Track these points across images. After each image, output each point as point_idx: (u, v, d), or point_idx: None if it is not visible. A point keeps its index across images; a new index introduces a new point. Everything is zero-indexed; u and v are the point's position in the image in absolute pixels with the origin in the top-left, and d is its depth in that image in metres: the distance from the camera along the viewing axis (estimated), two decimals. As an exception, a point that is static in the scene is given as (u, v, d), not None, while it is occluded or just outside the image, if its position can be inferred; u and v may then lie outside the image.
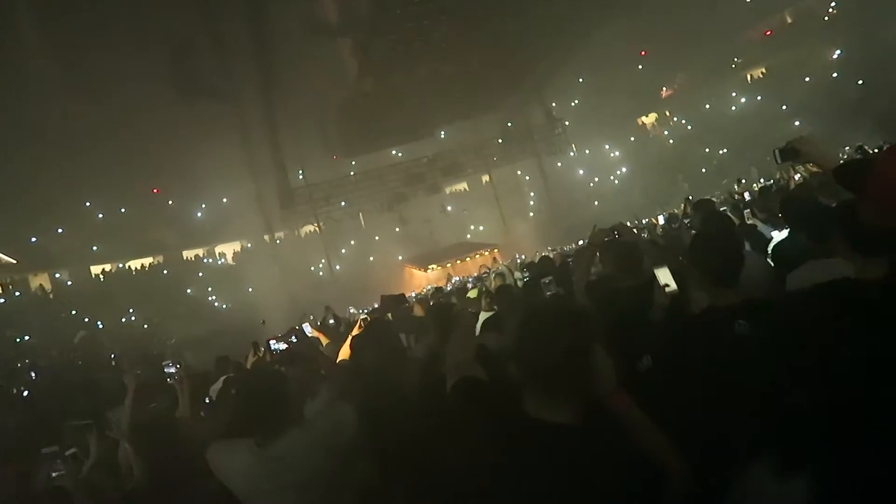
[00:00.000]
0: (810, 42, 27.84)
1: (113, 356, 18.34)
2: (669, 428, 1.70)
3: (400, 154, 31.92)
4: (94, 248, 31.09)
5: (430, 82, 22.42)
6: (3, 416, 10.84)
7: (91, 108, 24.14)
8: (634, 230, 5.36)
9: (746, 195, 9.53)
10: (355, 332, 3.74)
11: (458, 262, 27.38)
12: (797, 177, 8.95)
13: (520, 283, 7.50)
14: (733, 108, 32.71)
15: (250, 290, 28.58)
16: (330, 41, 21.97)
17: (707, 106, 33.54)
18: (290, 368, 3.63)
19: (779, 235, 3.92)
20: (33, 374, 15.21)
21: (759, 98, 31.06)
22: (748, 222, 4.89)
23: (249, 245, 34.61)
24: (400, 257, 31.98)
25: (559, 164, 36.32)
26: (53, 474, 2.87)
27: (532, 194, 39.18)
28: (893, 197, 1.61)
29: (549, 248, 21.59)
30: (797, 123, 24.73)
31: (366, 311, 7.75)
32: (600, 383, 1.57)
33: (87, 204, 30.38)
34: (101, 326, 24.67)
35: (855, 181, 1.93)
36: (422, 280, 26.05)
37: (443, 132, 31.23)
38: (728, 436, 1.81)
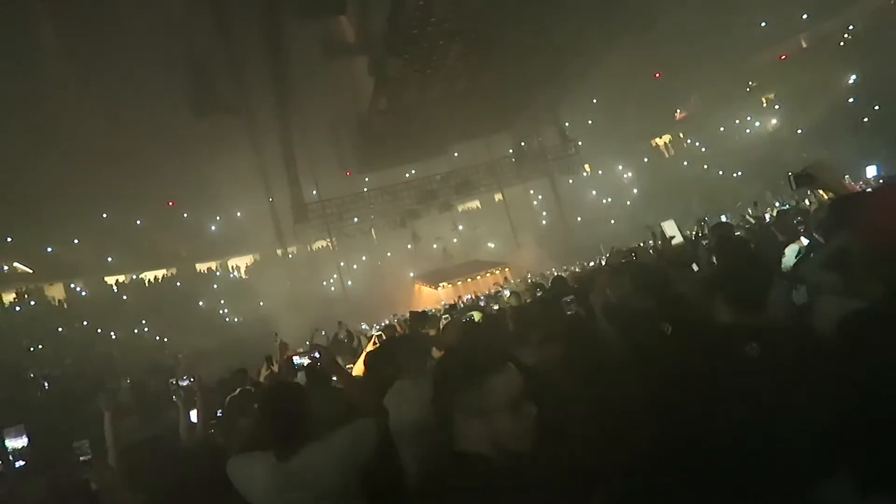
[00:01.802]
0: (826, 66, 27.80)
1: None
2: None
3: (413, 171, 32.09)
4: (109, 258, 31.39)
5: (444, 101, 22.59)
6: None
7: (109, 122, 24.52)
8: (650, 251, 5.38)
9: (767, 216, 9.50)
10: (369, 348, 3.77)
11: (469, 280, 27.31)
12: (813, 201, 8.93)
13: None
14: (747, 131, 32.68)
15: (262, 303, 28.69)
16: (346, 60, 22.22)
17: (721, 129, 33.52)
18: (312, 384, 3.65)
19: (791, 251, 3.92)
20: (45, 384, 15.35)
21: (773, 121, 31.02)
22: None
23: (262, 259, 34.81)
24: (411, 274, 32.00)
25: (571, 182, 36.39)
26: (82, 458, 2.92)
27: (544, 213, 39.21)
28: (882, 238, 1.64)
29: (564, 267, 21.56)
30: (812, 147, 24.66)
31: (378, 327, 7.78)
32: None
33: (103, 215, 30.72)
34: (113, 337, 24.86)
35: (848, 218, 1.95)
36: (432, 297, 26.02)
37: (456, 150, 31.39)
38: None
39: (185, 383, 4.20)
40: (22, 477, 3.57)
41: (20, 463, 3.18)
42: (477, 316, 6.94)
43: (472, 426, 1.44)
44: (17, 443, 3.58)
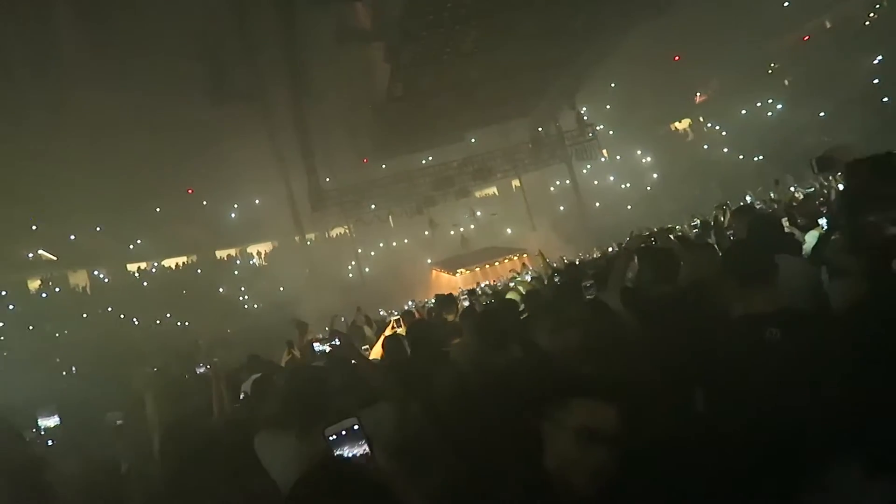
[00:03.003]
0: (850, 47, 27.14)
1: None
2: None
3: (430, 158, 32.04)
4: (131, 246, 31.85)
5: (460, 87, 22.48)
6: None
7: (129, 110, 24.78)
8: (671, 236, 5.33)
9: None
10: (388, 332, 3.80)
11: (487, 266, 27.32)
12: (838, 186, 8.78)
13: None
14: (769, 114, 32.08)
15: (281, 290, 28.96)
16: (362, 46, 22.17)
17: (742, 112, 32.97)
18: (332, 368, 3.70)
19: (811, 238, 3.88)
20: (73, 369, 15.70)
21: (796, 104, 30.44)
22: (786, 230, 4.83)
23: (280, 246, 35.10)
24: (429, 261, 32.08)
25: (590, 168, 36.13)
26: (118, 422, 3.02)
27: (562, 199, 39.01)
28: None
29: (581, 253, 21.46)
30: (835, 131, 24.20)
31: (397, 313, 7.82)
32: None
33: (124, 202, 31.18)
34: (136, 323, 25.29)
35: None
36: (450, 284, 26.06)
37: (473, 137, 31.27)
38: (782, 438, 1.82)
39: (201, 370, 4.29)
40: (55, 456, 3.70)
41: (51, 442, 3.33)
42: (513, 295, 6.95)
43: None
44: (49, 422, 3.73)
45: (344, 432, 1.49)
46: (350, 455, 1.46)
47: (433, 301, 8.73)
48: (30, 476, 2.98)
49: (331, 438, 1.49)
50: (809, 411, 1.63)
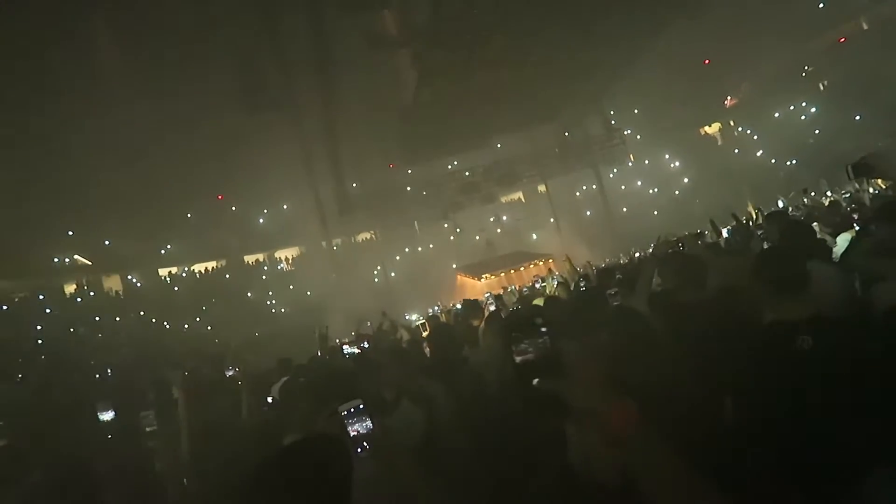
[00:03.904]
0: (887, 49, 26.46)
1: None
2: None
3: (455, 163, 32.08)
4: (162, 251, 32.50)
5: (487, 92, 22.45)
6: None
7: (161, 119, 25.34)
8: (699, 241, 5.27)
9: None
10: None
11: (512, 271, 27.17)
12: (871, 190, 8.57)
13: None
14: (802, 117, 31.46)
15: (308, 294, 29.23)
16: (389, 53, 22.33)
17: (776, 115, 32.37)
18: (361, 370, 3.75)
19: (842, 241, 3.80)
20: (109, 371, 16.04)
21: (831, 107, 29.75)
22: (818, 236, 4.74)
23: (307, 251, 35.45)
24: (454, 265, 32.10)
25: (616, 173, 35.81)
26: (148, 428, 3.17)
27: (589, 204, 38.71)
28: None
29: (607, 259, 21.25)
30: (871, 135, 23.58)
31: (422, 317, 7.86)
32: None
33: (156, 209, 31.84)
34: (167, 327, 25.77)
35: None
36: (475, 289, 26.02)
37: (499, 142, 31.23)
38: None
39: (230, 373, 4.39)
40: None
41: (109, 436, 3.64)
42: (540, 301, 6.95)
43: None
44: (107, 416, 4.18)
45: (353, 409, 1.76)
46: (357, 429, 1.73)
47: (459, 306, 8.75)
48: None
49: (343, 414, 1.75)
50: (841, 418, 1.60)
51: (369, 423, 1.73)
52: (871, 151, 2.43)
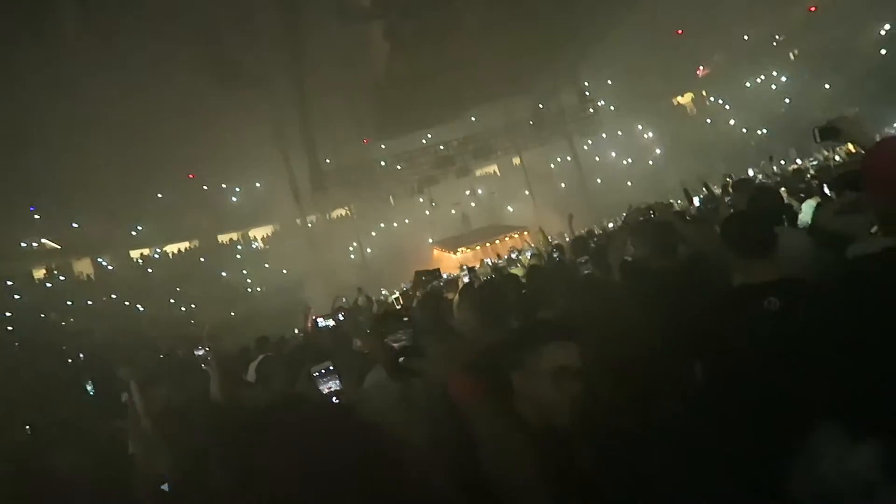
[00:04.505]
0: (857, 18, 26.64)
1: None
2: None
3: (430, 136, 31.84)
4: (133, 233, 31.86)
5: (461, 64, 22.25)
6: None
7: (128, 96, 24.62)
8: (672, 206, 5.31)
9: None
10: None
11: (488, 244, 27.26)
12: (836, 158, 8.74)
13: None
14: (773, 87, 31.73)
15: (284, 272, 29.03)
16: (361, 24, 21.93)
17: (746, 85, 32.61)
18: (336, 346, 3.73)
19: (807, 208, 3.86)
20: (81, 356, 15.82)
21: (801, 77, 30.02)
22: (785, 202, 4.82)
23: (281, 229, 35.11)
24: (430, 240, 32.06)
25: (591, 144, 35.91)
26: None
27: (563, 176, 38.83)
28: (887, 190, 1.64)
29: (582, 229, 21.39)
30: (840, 103, 23.91)
31: (397, 292, 7.84)
32: None
33: (125, 188, 31.14)
34: (141, 309, 25.42)
35: (857, 181, 1.95)
36: (451, 263, 26.09)
37: (473, 115, 31.03)
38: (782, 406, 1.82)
39: (199, 353, 4.37)
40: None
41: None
42: (517, 271, 6.99)
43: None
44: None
45: (323, 370, 1.93)
46: (328, 387, 1.90)
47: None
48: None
49: (314, 374, 1.93)
50: (807, 379, 1.63)
51: (338, 382, 1.89)
52: (837, 116, 2.45)
